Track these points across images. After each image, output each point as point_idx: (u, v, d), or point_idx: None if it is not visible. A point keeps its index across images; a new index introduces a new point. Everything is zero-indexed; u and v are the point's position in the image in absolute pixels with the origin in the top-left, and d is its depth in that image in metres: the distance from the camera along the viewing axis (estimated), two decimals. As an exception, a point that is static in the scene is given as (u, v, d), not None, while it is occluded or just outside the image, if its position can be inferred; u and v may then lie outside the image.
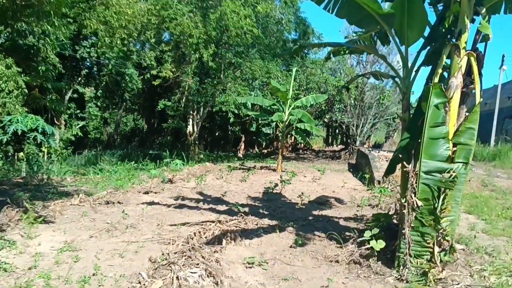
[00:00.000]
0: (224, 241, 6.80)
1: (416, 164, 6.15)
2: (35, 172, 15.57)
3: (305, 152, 31.17)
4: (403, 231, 5.93)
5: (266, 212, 10.17)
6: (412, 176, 6.06)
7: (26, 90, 16.52)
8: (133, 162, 22.27)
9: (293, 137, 29.61)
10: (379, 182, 14.20)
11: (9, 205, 8.42)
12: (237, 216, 9.04)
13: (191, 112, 24.01)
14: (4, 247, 6.53)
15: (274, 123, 24.14)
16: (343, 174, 17.68)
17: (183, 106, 23.26)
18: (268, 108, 19.54)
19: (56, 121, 28.07)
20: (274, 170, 17.90)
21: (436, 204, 6.02)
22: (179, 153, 21.28)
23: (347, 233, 8.02)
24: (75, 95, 28.43)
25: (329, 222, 9.25)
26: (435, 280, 5.55)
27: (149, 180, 14.25)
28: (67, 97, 28.11)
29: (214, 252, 6.40)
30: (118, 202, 10.49)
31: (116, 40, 14.75)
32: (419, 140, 6.14)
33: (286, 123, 17.74)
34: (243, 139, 32.82)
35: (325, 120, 32.28)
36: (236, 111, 21.45)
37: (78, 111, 29.03)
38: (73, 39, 26.20)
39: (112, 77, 29.82)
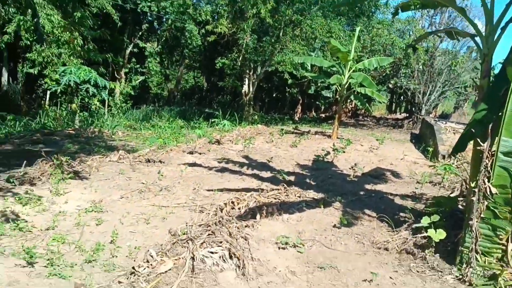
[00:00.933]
0: (258, 215, 6.07)
1: (493, 143, 5.02)
2: (87, 125, 15.63)
3: (366, 118, 29.53)
4: (470, 222, 4.90)
5: (312, 183, 9.32)
6: (487, 157, 4.96)
7: (81, 41, 16.38)
8: (186, 120, 22.09)
9: (353, 102, 28.05)
10: (443, 157, 12.83)
11: (44, 158, 8.15)
12: (279, 185, 8.30)
13: (247, 71, 23.16)
14: (28, 202, 6.22)
15: (334, 86, 22.79)
16: (403, 145, 16.30)
17: (239, 64, 22.42)
18: (328, 70, 18.27)
19: (116, 75, 28.39)
20: (329, 136, 16.83)
21: (515, 193, 4.92)
22: (233, 113, 20.66)
23: (401, 215, 7.06)
24: (135, 50, 28.39)
25: (382, 199, 8.25)
26: (507, 287, 4.52)
27: (197, 140, 13.77)
28: (127, 52, 28.19)
29: (246, 226, 5.71)
30: (160, 161, 10.06)
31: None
32: (500, 114, 4.99)
33: (346, 87, 16.45)
34: (300, 101, 31.66)
35: (389, 85, 30.28)
36: (293, 72, 20.30)
37: (138, 65, 29.04)
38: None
39: (172, 33, 29.45)
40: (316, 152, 13.15)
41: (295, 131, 18.43)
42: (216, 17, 18.62)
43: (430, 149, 13.12)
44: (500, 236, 4.90)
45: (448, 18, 23.73)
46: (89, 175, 8.18)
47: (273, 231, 5.83)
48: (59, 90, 14.72)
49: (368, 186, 9.35)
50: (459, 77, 24.67)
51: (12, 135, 13.23)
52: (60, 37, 14.87)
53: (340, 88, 16.68)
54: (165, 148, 11.98)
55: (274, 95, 34.74)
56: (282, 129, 18.20)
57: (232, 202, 6.35)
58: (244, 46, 21.57)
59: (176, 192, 7.65)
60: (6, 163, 8.70)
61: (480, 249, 4.87)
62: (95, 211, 6.27)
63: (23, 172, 7.54)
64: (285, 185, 8.02)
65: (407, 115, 30.84)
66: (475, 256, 4.82)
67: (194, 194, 7.58)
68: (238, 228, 5.46)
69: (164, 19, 27.75)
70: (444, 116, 29.90)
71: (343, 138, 16.38)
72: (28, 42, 14.60)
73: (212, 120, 18.08)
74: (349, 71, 16.13)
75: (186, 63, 37.09)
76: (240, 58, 22.14)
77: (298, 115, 30.57)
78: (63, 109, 18.35)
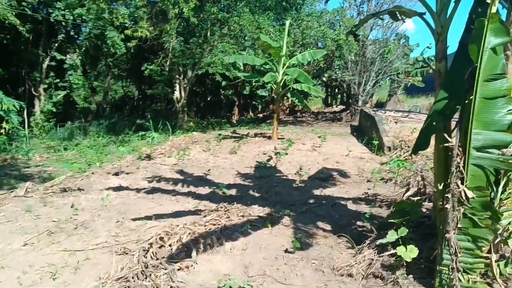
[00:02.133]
0: (194, 251, 4.94)
1: (462, 137, 4.23)
2: (-2, 152, 13.70)
3: (304, 114, 29.07)
4: (446, 235, 4.07)
5: (256, 195, 8.33)
6: (457, 155, 4.13)
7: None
8: (116, 134, 20.41)
9: (289, 99, 27.46)
10: (389, 149, 12.36)
11: None
12: (219, 203, 7.22)
13: (177, 76, 21.80)
14: None
15: (270, 84, 21.99)
16: (346, 140, 15.76)
17: (167, 70, 21.01)
18: (261, 68, 17.43)
19: (34, 92, 25.94)
20: (270, 137, 15.96)
21: (494, 194, 4.17)
22: (165, 122, 19.26)
23: (359, 224, 6.24)
24: (53, 63, 26.08)
25: (335, 206, 7.40)
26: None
27: (126, 156, 12.36)
28: (44, 66, 25.83)
29: (179, 270, 4.57)
30: (78, 189, 8.62)
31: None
32: (466, 101, 4.21)
33: (281, 84, 15.65)
34: (237, 103, 30.71)
35: (324, 79, 30.05)
36: (226, 73, 19.24)
37: (57, 80, 26.71)
38: (45, 1, 23.77)
39: (92, 42, 27.42)
40: (258, 157, 12.21)
41: (234, 135, 17.41)
42: (136, 21, 17.14)
43: (375, 142, 12.57)
44: (482, 248, 4.11)
45: (375, 6, 23.65)
46: (-14, 219, 6.65)
47: (215, 270, 4.73)
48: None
49: (317, 192, 8.49)
50: (391, 64, 24.72)
51: None
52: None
53: (275, 86, 15.85)
54: (89, 170, 10.53)
55: (209, 98, 33.50)
56: (220, 135, 17.13)
57: (161, 239, 5.17)
58: (170, 49, 20.23)
59: (95, 228, 6.33)
60: None
61: (462, 267, 4.06)
62: (-15, 270, 4.87)
63: None
64: (226, 204, 6.95)
65: (344, 107, 30.80)
66: (457, 276, 3.99)
67: (117, 228, 6.30)
68: (168, 274, 4.30)
69: (82, 28, 25.73)
70: (380, 105, 30.10)
71: (284, 139, 15.59)
72: None
73: (142, 133, 16.63)
74: (283, 68, 15.32)
75: (112, 73, 35.02)
76: (168, 63, 20.74)
77: (235, 118, 29.60)
78: None
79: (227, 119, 29.16)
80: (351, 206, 7.47)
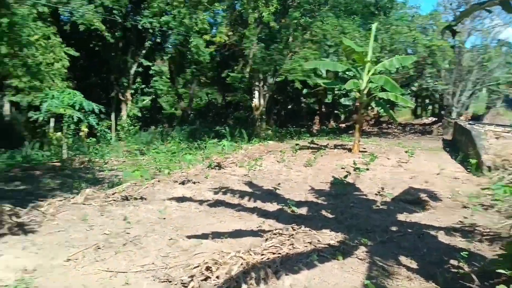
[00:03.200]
0: (244, 286, 4.11)
1: None
2: (74, 154, 14.04)
3: (390, 126, 27.22)
4: None
5: (330, 216, 7.33)
6: None
7: (67, 63, 14.84)
8: (195, 140, 20.32)
9: (374, 109, 25.84)
10: (489, 169, 10.66)
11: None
12: (285, 223, 6.37)
13: (257, 83, 21.33)
14: None
15: (353, 93, 20.68)
16: (437, 155, 14.11)
17: (247, 77, 20.62)
18: (343, 75, 16.33)
19: (121, 97, 27.01)
20: (350, 150, 14.78)
21: None
22: (242, 130, 18.82)
23: (452, 263, 5.05)
24: (140, 69, 26.96)
25: (423, 237, 6.17)
26: None
27: (196, 165, 11.96)
28: (132, 71, 26.80)
29: (223, 311, 3.76)
30: (140, 198, 8.22)
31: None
32: None
33: (365, 92, 14.42)
34: (318, 112, 29.64)
35: (413, 88, 27.99)
36: (306, 80, 18.33)
37: (144, 86, 27.58)
38: (134, 9, 24.63)
39: (177, 49, 28.00)
40: (335, 171, 11.15)
41: (312, 145, 16.45)
42: (215, 26, 16.95)
43: (473, 161, 10.93)
44: None
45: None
46: (39, 227, 6.37)
47: (266, 315, 3.87)
48: (41, 118, 13.16)
49: (401, 217, 7.28)
50: (491, 73, 22.24)
51: (-13, 172, 11.68)
52: (42, 60, 13.37)
53: (359, 95, 14.65)
54: (150, 179, 10.20)
55: (289, 107, 32.75)
56: (297, 144, 16.27)
57: (208, 269, 4.40)
58: (251, 56, 19.80)
59: (146, 245, 5.76)
60: None
61: None
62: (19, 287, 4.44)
63: None
64: (292, 226, 6.05)
65: (435, 119, 28.46)
66: None
67: (169, 248, 5.67)
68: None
69: (169, 36, 26.32)
70: (476, 118, 27.34)
71: (366, 152, 14.34)
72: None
73: (217, 141, 16.26)
74: (367, 74, 14.10)
75: (198, 79, 35.62)
76: (248, 70, 20.33)
77: (316, 127, 28.55)
78: (69, 136, 16.90)
79: (307, 129, 28.20)
80: (442, 237, 6.20)
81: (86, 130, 15.44)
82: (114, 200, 7.95)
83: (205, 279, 4.23)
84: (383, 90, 14.68)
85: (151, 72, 27.10)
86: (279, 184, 9.38)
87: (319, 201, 8.36)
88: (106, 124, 25.52)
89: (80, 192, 8.13)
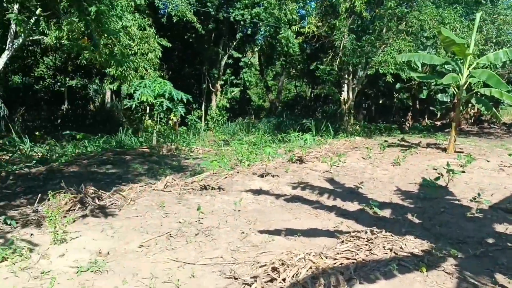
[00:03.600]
0: (312, 293, 3.80)
1: None
2: (163, 142, 14.55)
3: (492, 125, 24.85)
4: None
5: (416, 221, 6.72)
6: None
7: (160, 53, 15.38)
8: (281, 132, 20.16)
9: (475, 107, 23.72)
10: None
11: (66, 189, 6.73)
12: (366, 226, 5.93)
13: (346, 76, 20.59)
14: (9, 256, 4.68)
15: (451, 88, 19.06)
16: (548, 160, 12.52)
17: (336, 69, 19.95)
18: (441, 69, 15.07)
19: (211, 88, 27.73)
20: (444, 150, 13.66)
21: None
22: (328, 124, 18.27)
23: None
24: (230, 61, 27.42)
25: (525, 254, 5.39)
26: None
27: (277, 157, 11.76)
28: (223, 63, 27.36)
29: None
30: (218, 188, 8.20)
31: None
32: None
33: (464, 88, 13.19)
34: (412, 108, 27.97)
35: (523, 85, 25.26)
36: (400, 74, 17.22)
37: (233, 77, 28.02)
38: (227, 1, 25.00)
39: (267, 41, 28.01)
40: (426, 172, 10.34)
41: (402, 143, 15.48)
42: (304, 17, 16.49)
43: None
44: None
45: None
46: (119, 210, 6.57)
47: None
48: (133, 106, 13.79)
49: (499, 228, 6.46)
50: None
51: (84, 155, 12.49)
52: (137, 50, 14.01)
53: (457, 91, 13.45)
54: (238, 167, 10.21)
55: (380, 101, 31.34)
56: (386, 141, 15.44)
57: (275, 269, 4.14)
58: (341, 47, 19.12)
59: (217, 237, 5.67)
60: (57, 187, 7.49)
61: None
62: (91, 271, 4.54)
63: (35, 208, 6.18)
64: (372, 230, 5.59)
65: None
66: None
67: (239, 241, 5.53)
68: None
69: (259, 27, 26.41)
70: None
71: (462, 152, 13.16)
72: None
73: (301, 134, 15.90)
74: (468, 68, 12.88)
75: (287, 72, 35.47)
76: (337, 62, 19.66)
77: (409, 124, 26.99)
78: (161, 124, 17.69)
79: (399, 125, 26.75)
80: (550, 256, 5.37)
81: (175, 118, 15.91)
82: (192, 188, 8.01)
83: (270, 281, 3.98)
84: (486, 86, 13.34)
85: (240, 64, 27.42)
86: (362, 182, 8.84)
87: (405, 204, 7.73)
88: (197, 114, 26.42)
89: (161, 179, 8.30)
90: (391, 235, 5.57)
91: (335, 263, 4.41)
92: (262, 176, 9.34)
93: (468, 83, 13.26)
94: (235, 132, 23.02)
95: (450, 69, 13.69)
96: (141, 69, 14.07)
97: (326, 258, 4.42)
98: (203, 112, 27.84)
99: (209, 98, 28.69)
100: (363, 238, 5.33)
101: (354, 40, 18.77)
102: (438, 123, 27.36)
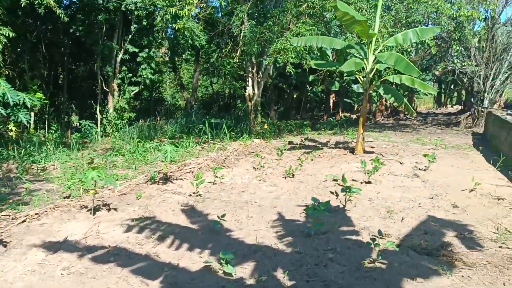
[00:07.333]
0: None
1: None
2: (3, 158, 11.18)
3: (409, 117, 23.53)
4: None
5: (285, 285, 4.17)
6: None
7: (-1, 46, 11.92)
8: (189, 135, 17.20)
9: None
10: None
11: None
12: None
13: (250, 69, 18.12)
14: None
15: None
16: (468, 158, 10.73)
17: (236, 61, 17.42)
18: (345, 54, 13.00)
19: (105, 88, 24.13)
20: (353, 150, 11.51)
21: None
22: (224, 125, 15.68)
23: None
24: (126, 56, 24.02)
25: None
26: None
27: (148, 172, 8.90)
28: (118, 59, 23.90)
29: None
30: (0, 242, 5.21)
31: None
32: None
33: (371, 75, 11.11)
34: (332, 101, 26.19)
35: (436, 72, 24.28)
36: (301, 62, 14.93)
37: (130, 74, 24.60)
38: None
39: (166, 33, 24.95)
40: (323, 185, 7.98)
41: (307, 143, 13.21)
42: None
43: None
44: None
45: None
46: None
47: None
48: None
49: (409, 286, 4.09)
50: (530, 52, 18.45)
51: None
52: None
53: (363, 79, 11.35)
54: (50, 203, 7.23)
55: (294, 96, 29.32)
56: (291, 142, 13.19)
57: None
58: (241, 36, 16.61)
59: None
60: None
61: None
62: None
63: None
64: None
65: (462, 107, 24.76)
66: None
67: None
68: None
69: (156, 17, 23.22)
70: (510, 106, 23.56)
71: (373, 152, 11.10)
72: None
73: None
74: (373, 53, 10.77)
75: (200, 68, 32.52)
76: (238, 53, 17.12)
77: (325, 118, 25.15)
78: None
79: (316, 121, 24.83)
80: None
81: (15, 128, 12.48)
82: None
83: None
84: (397, 73, 11.36)
85: (138, 59, 24.16)
86: (224, 215, 6.08)
87: (280, 247, 5.19)
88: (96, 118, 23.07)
89: None
90: None
91: None
92: (94, 211, 6.41)
93: (375, 69, 11.17)
94: (131, 137, 19.82)
95: (353, 54, 11.52)
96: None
97: None
98: (98, 115, 24.31)
99: (106, 99, 25.12)
100: None
101: (254, 28, 16.24)
102: (354, 116, 25.75)
